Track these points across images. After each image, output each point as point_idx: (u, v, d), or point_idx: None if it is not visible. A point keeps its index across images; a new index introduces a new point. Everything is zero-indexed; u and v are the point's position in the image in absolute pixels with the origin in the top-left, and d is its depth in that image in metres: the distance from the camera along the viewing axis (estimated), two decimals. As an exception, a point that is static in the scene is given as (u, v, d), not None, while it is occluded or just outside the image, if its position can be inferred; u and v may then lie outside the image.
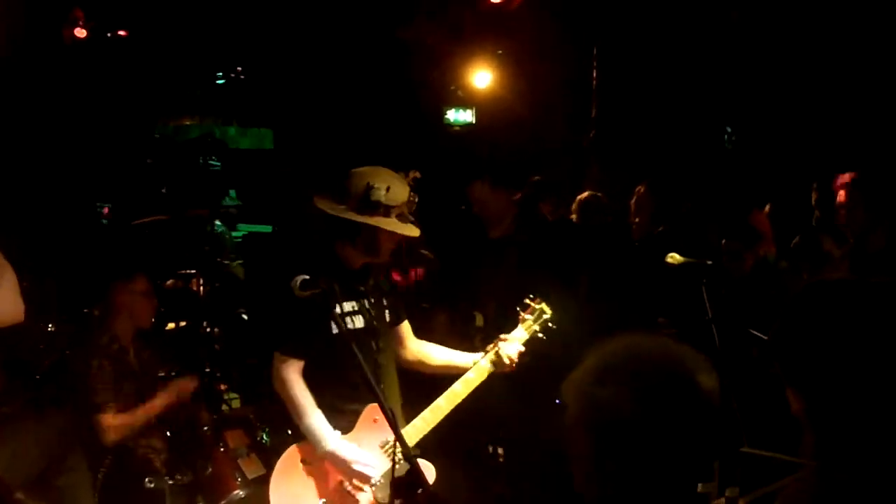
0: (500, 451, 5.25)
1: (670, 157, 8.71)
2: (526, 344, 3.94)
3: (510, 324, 4.06)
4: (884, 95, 7.68)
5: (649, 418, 1.64)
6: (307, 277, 3.26)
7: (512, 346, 3.89)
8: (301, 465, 3.63)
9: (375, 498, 3.59)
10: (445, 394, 3.78)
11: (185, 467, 4.59)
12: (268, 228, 10.04)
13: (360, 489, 3.60)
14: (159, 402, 4.66)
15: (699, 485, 1.73)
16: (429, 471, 3.64)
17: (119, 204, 9.52)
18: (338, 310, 3.56)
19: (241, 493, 4.57)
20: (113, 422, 4.53)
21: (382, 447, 3.67)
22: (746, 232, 5.68)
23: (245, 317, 7.38)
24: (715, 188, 8.25)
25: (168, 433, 4.68)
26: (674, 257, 4.92)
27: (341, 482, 3.63)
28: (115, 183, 9.66)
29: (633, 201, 6.87)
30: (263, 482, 3.79)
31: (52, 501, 4.36)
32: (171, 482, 4.50)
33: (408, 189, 3.73)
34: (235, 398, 6.49)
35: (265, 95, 11.38)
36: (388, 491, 3.51)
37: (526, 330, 3.98)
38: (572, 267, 5.14)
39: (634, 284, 5.73)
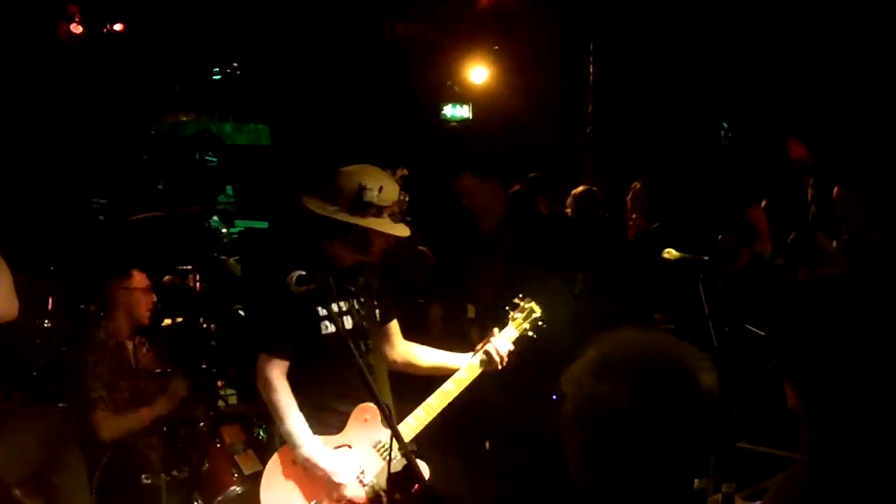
0: (486, 445, 5.24)
1: (666, 154, 8.73)
2: (516, 343, 3.92)
3: (501, 317, 4.04)
4: (880, 92, 7.69)
5: (646, 414, 1.65)
6: (303, 273, 3.25)
7: (502, 344, 3.87)
8: (292, 465, 3.60)
9: (368, 499, 3.55)
10: (436, 393, 3.76)
11: (182, 463, 4.56)
12: (264, 224, 10.03)
13: (342, 496, 3.54)
14: (160, 407, 4.66)
15: (695, 480, 1.73)
16: (424, 469, 3.63)
17: (115, 200, 9.50)
18: (330, 309, 3.53)
19: (237, 489, 4.56)
20: (109, 419, 4.54)
21: (375, 447, 3.64)
22: (743, 228, 5.69)
23: (242, 313, 7.37)
24: (711, 185, 8.26)
25: (164, 429, 4.66)
26: (670, 253, 4.92)
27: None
28: (111, 179, 9.64)
29: (629, 197, 6.89)
30: (260, 478, 3.77)
31: (48, 498, 4.36)
32: (167, 478, 4.48)
33: (398, 188, 3.70)
34: (232, 394, 6.48)
35: (262, 91, 11.36)
36: (381, 490, 3.52)
37: (516, 328, 3.95)
38: (565, 260, 5.13)
39: (631, 280, 5.73)
